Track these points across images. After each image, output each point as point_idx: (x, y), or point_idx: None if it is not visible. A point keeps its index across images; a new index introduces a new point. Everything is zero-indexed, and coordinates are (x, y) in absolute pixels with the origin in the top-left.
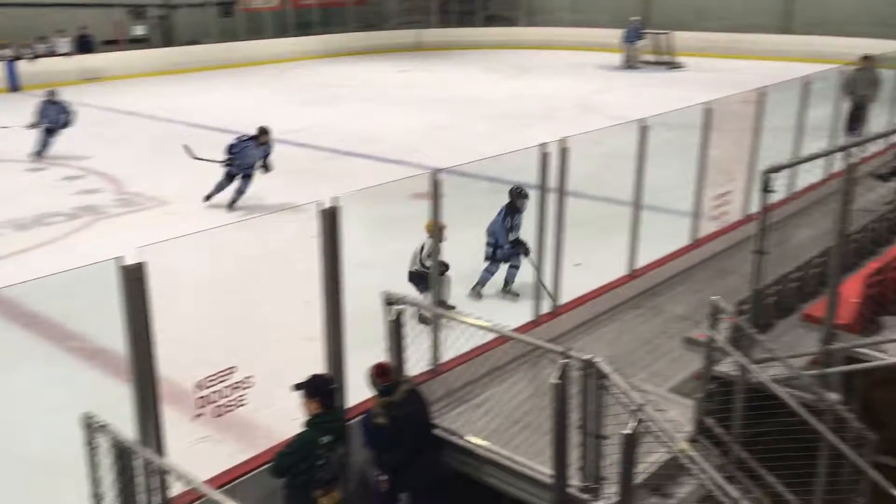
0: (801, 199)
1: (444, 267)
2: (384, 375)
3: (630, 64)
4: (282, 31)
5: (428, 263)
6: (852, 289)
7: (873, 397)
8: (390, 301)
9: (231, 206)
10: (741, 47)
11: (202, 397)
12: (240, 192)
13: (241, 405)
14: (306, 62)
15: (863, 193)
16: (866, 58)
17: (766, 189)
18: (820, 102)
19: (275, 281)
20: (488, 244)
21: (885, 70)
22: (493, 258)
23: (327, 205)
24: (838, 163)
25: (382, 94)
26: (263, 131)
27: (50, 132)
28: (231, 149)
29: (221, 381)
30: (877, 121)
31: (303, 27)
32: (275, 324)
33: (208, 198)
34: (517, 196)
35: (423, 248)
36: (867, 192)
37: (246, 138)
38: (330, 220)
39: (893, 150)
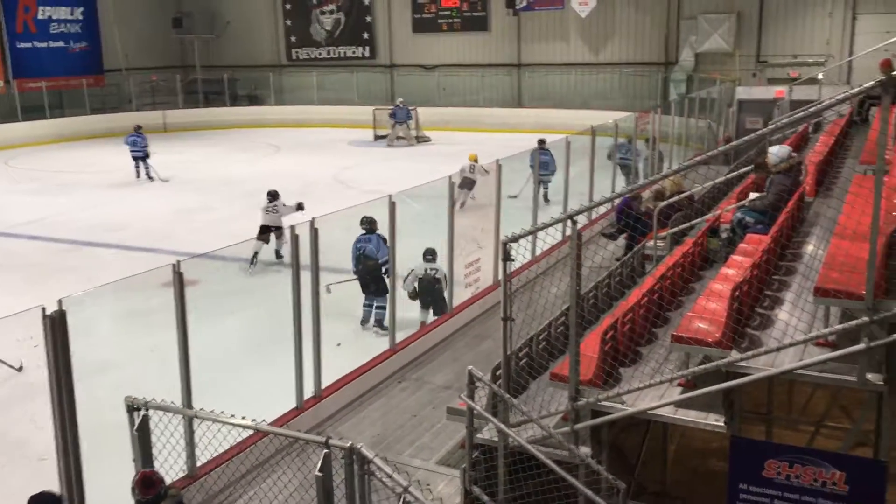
0: (544, 261)
1: None
2: (148, 486)
3: (391, 143)
4: (8, 116)
5: None
6: (591, 345)
7: (622, 444)
8: (134, 406)
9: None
10: (479, 121)
11: None
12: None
13: None
14: (37, 148)
15: (597, 251)
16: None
17: (506, 258)
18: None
19: None
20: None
21: (602, 138)
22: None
23: (52, 308)
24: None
25: (127, 179)
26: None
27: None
28: None
29: None
30: (600, 185)
31: (32, 111)
32: None
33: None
34: None
35: None
36: (601, 249)
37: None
38: (55, 325)
39: (614, 211)
